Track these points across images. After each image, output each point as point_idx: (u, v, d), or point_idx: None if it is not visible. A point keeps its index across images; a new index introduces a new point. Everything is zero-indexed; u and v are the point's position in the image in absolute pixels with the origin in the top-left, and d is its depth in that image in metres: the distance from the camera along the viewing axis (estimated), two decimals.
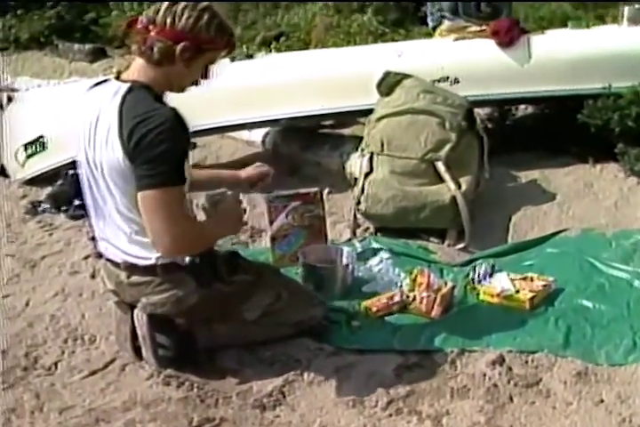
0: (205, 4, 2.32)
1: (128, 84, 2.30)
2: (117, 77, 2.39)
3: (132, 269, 2.44)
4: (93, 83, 2.50)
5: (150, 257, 2.38)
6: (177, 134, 2.21)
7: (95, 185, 2.41)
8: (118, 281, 2.51)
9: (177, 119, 2.22)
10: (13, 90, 6.33)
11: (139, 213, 2.28)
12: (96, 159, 2.34)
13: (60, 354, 2.68)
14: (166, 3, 2.30)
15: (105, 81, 2.45)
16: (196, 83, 2.44)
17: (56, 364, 2.62)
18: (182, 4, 2.28)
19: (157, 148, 2.17)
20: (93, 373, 2.56)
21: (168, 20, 2.27)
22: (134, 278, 2.45)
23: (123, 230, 2.39)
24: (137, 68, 2.36)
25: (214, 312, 2.51)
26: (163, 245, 2.27)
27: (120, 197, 2.33)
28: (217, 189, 2.58)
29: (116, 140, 2.22)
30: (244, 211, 2.64)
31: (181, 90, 2.43)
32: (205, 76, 2.43)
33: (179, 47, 2.28)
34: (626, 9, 4.35)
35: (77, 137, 2.42)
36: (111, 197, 2.36)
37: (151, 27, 2.28)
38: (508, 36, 4.15)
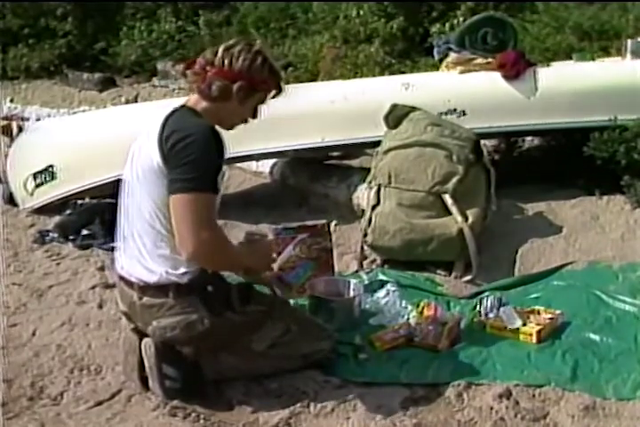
0: (258, 47, 2.52)
1: (178, 106, 2.50)
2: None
3: (144, 289, 2.48)
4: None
5: (163, 273, 2.42)
6: (210, 145, 2.34)
7: (131, 192, 2.51)
8: (131, 302, 2.53)
9: (213, 132, 2.37)
10: (23, 119, 6.40)
11: (163, 220, 2.38)
12: (135, 167, 2.48)
13: (66, 384, 2.68)
14: (222, 45, 2.50)
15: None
16: (245, 121, 2.59)
17: (62, 394, 2.62)
18: (239, 47, 2.48)
19: (191, 153, 2.31)
20: (99, 403, 2.56)
21: (226, 62, 2.46)
22: (146, 300, 2.48)
23: (144, 244, 2.46)
24: (193, 100, 2.53)
25: (223, 341, 2.51)
26: (187, 249, 2.33)
27: (149, 202, 2.41)
28: None
29: (155, 146, 2.36)
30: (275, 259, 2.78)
31: (230, 127, 2.57)
32: (254, 115, 2.59)
33: (235, 86, 2.46)
34: (629, 42, 4.40)
35: (128, 156, 2.56)
36: (142, 202, 2.44)
37: (209, 67, 2.47)
38: (515, 69, 4.19)
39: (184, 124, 2.39)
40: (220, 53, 2.47)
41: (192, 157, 2.30)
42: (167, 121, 2.42)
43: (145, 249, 2.46)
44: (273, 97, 2.60)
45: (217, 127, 2.43)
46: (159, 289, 2.45)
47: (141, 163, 2.44)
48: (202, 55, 2.52)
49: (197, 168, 2.31)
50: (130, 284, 2.53)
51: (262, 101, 2.58)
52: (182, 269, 2.43)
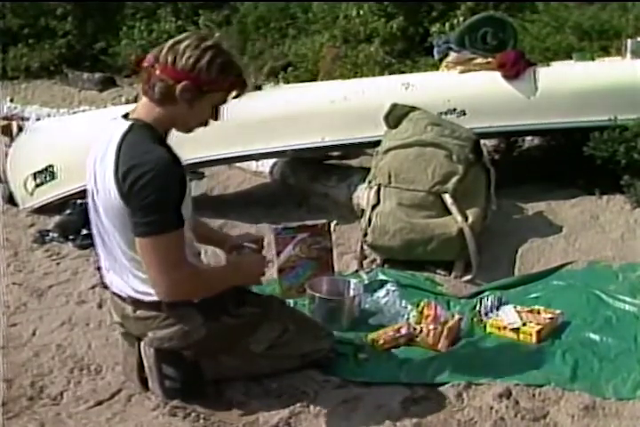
0: (210, 42, 2.26)
1: (130, 123, 2.29)
2: (126, 115, 2.37)
3: (137, 303, 2.43)
4: (112, 117, 2.48)
5: (152, 293, 2.35)
6: (169, 180, 2.18)
7: (98, 219, 2.40)
8: (125, 314, 2.50)
9: (170, 163, 2.19)
10: (23, 119, 6.39)
11: (136, 251, 2.28)
12: (99, 195, 2.33)
13: (66, 384, 2.68)
14: (171, 41, 2.27)
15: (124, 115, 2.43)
16: (205, 123, 2.39)
17: (62, 394, 2.62)
18: (185, 43, 2.24)
19: (149, 195, 2.15)
20: (99, 403, 2.55)
21: (169, 59, 2.22)
22: (140, 313, 2.44)
23: (125, 266, 2.39)
24: (142, 106, 2.34)
25: (221, 345, 2.49)
26: (160, 291, 2.27)
27: (119, 234, 2.32)
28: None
29: (112, 184, 2.21)
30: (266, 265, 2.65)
31: (188, 130, 2.39)
32: (215, 117, 2.37)
33: (178, 87, 2.23)
34: (629, 42, 4.40)
35: (87, 170, 2.42)
36: (112, 232, 2.35)
37: (156, 65, 2.25)
38: (515, 69, 4.18)
39: (140, 159, 2.17)
40: (165, 49, 2.24)
41: (151, 197, 2.15)
42: (120, 150, 2.22)
43: (130, 273, 2.38)
44: (235, 97, 2.36)
45: (174, 151, 2.26)
46: (151, 304, 2.39)
47: (102, 198, 2.29)
48: (151, 51, 2.29)
49: (158, 209, 2.17)
50: (122, 298, 2.48)
51: (221, 102, 2.34)
52: None
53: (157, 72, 2.24)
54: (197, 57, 2.22)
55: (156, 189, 2.15)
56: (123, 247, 2.34)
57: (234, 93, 2.34)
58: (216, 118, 2.38)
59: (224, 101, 2.35)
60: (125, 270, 2.39)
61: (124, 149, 2.22)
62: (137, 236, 2.21)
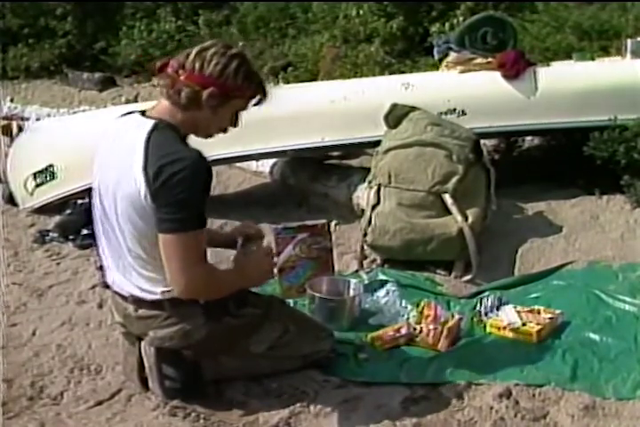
0: (235, 50, 2.33)
1: (154, 121, 2.31)
2: (142, 113, 2.39)
3: (139, 302, 2.43)
4: (120, 114, 2.51)
5: (156, 291, 2.37)
6: (200, 180, 2.23)
7: (105, 216, 2.41)
8: (126, 314, 2.50)
9: (202, 163, 2.23)
10: (23, 119, 6.40)
11: (147, 247, 2.30)
12: (109, 190, 2.35)
13: (66, 384, 2.68)
14: (197, 47, 2.32)
15: (129, 113, 2.45)
16: (225, 130, 2.44)
17: (62, 394, 2.62)
18: (212, 50, 2.29)
19: (181, 193, 2.19)
20: (99, 403, 2.55)
21: (197, 66, 2.27)
22: (142, 312, 2.44)
23: (130, 264, 2.39)
24: (163, 108, 2.36)
25: (221, 346, 2.50)
26: (179, 287, 2.28)
27: (130, 231, 2.32)
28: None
29: (139, 177, 2.21)
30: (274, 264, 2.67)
31: (208, 135, 2.43)
32: (235, 123, 2.43)
33: (205, 93, 2.28)
34: (629, 42, 4.40)
35: (94, 166, 2.45)
36: (120, 230, 2.36)
37: (180, 71, 2.29)
38: (514, 69, 4.18)
39: (174, 156, 2.21)
40: (192, 56, 2.29)
41: (182, 195, 2.19)
42: (149, 147, 2.24)
43: (134, 271, 2.39)
44: (256, 104, 2.43)
45: (203, 154, 2.26)
46: (154, 303, 2.40)
47: (116, 193, 2.30)
48: (176, 57, 2.35)
49: (186, 207, 2.22)
50: (123, 297, 2.48)
51: (242, 109, 2.41)
52: None
53: (183, 78, 2.29)
54: (224, 64, 2.28)
55: (188, 187, 2.19)
56: (129, 245, 2.34)
57: (254, 101, 2.40)
58: (235, 125, 2.44)
59: (244, 108, 2.41)
60: (130, 268, 2.40)
61: (153, 146, 2.24)
62: (162, 232, 2.23)
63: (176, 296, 2.33)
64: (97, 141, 2.50)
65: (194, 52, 2.30)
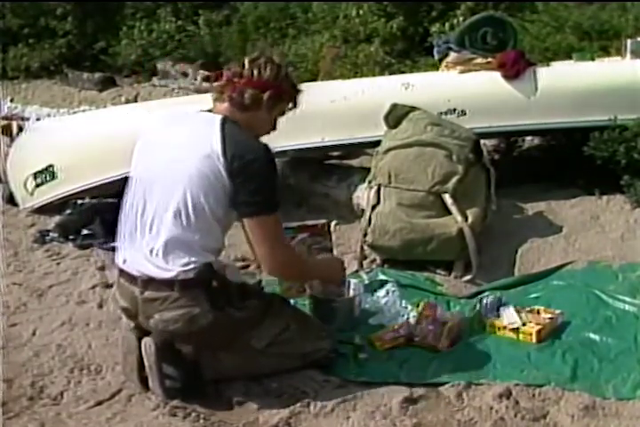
0: (279, 60, 2.67)
1: (221, 116, 2.55)
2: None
3: (148, 283, 2.49)
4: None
5: (173, 269, 2.45)
6: (273, 167, 2.52)
7: (148, 194, 2.54)
8: (132, 297, 2.54)
9: (271, 154, 2.51)
10: (23, 119, 6.40)
11: (208, 211, 2.47)
12: (170, 163, 2.52)
13: (66, 384, 2.68)
14: (247, 58, 2.64)
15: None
16: (268, 132, 2.70)
17: (62, 394, 2.62)
18: (263, 59, 2.62)
19: (260, 179, 2.48)
20: (99, 403, 2.56)
21: (255, 72, 2.58)
22: (149, 294, 2.49)
23: (162, 239, 2.48)
24: (223, 109, 2.60)
25: (223, 338, 2.52)
26: (268, 265, 2.56)
27: (183, 197, 2.46)
28: None
29: (220, 156, 2.44)
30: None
31: (257, 135, 2.63)
32: (274, 126, 2.71)
33: (265, 95, 2.59)
34: (629, 42, 4.40)
35: (140, 153, 2.66)
36: (163, 202, 2.50)
37: (236, 79, 2.59)
38: (514, 69, 4.18)
39: (247, 146, 2.48)
40: (247, 65, 2.60)
41: (261, 181, 2.47)
42: (225, 135, 2.47)
43: (161, 246, 2.48)
44: (290, 109, 2.72)
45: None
46: (164, 283, 2.46)
47: (197, 162, 2.46)
48: (225, 68, 2.69)
49: (266, 192, 2.50)
50: (131, 278, 2.54)
51: (284, 112, 2.70)
52: (192, 265, 2.45)
53: (242, 83, 2.59)
54: (277, 70, 2.63)
55: (265, 175, 2.50)
56: (186, 209, 2.47)
57: (290, 106, 2.72)
58: (275, 128, 2.72)
59: (284, 113, 2.72)
60: (157, 245, 2.49)
61: (230, 135, 2.48)
62: (248, 215, 2.50)
63: (187, 277, 2.44)
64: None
65: (246, 61, 2.61)
